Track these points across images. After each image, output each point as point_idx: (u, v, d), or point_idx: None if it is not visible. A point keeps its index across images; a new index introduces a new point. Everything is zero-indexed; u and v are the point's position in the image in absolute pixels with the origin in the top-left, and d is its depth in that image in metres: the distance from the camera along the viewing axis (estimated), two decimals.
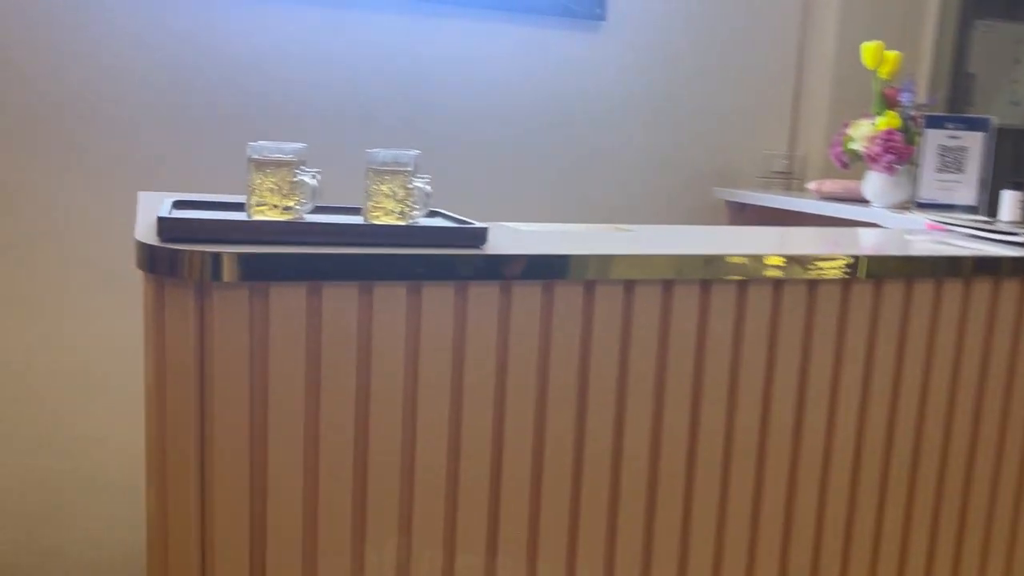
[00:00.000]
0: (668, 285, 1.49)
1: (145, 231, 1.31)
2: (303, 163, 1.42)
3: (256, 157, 1.39)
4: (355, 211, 1.54)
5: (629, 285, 1.46)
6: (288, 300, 1.27)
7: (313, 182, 1.40)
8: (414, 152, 1.44)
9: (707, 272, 1.50)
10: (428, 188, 1.45)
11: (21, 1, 2.54)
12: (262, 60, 2.81)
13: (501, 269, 1.37)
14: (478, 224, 1.45)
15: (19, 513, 2.70)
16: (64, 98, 2.61)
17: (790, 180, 3.57)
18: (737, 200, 3.34)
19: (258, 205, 1.38)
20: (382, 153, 1.43)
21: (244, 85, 2.80)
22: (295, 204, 1.40)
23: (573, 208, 3.26)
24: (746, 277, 1.52)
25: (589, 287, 1.44)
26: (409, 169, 1.43)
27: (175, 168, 2.75)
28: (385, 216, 1.43)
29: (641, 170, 3.35)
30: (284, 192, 1.39)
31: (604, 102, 3.24)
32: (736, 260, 1.51)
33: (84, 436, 2.72)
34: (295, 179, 1.39)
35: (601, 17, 3.16)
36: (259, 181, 1.38)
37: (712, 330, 1.53)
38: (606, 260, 1.43)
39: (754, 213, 3.36)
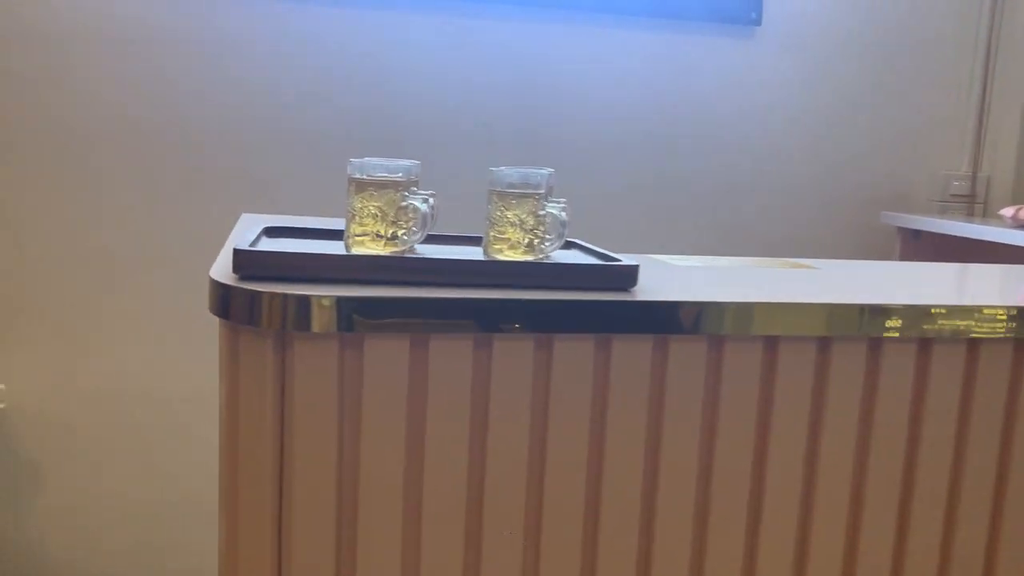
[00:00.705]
0: (876, 344, 1.15)
1: (222, 266, 1.08)
2: (414, 184, 1.17)
3: (358, 176, 1.14)
4: (474, 241, 1.27)
5: (824, 344, 1.13)
6: (388, 354, 1.01)
7: (425, 207, 1.15)
8: (546, 171, 1.17)
9: (934, 325, 1.15)
10: (564, 215, 1.17)
11: (138, 27, 2.45)
12: (378, 72, 2.62)
13: (657, 319, 1.07)
14: (626, 260, 1.15)
15: (116, 545, 2.58)
16: (177, 115, 2.50)
17: (972, 204, 3.10)
18: (910, 227, 2.91)
19: (359, 235, 1.14)
20: (508, 172, 1.16)
21: (356, 99, 2.62)
22: (403, 233, 1.14)
23: (723, 239, 2.92)
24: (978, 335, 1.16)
25: (770, 344, 1.12)
26: (541, 192, 1.16)
27: (287, 189, 2.59)
28: (510, 250, 1.16)
29: (800, 194, 2.97)
30: (390, 219, 1.14)
31: (759, 118, 2.89)
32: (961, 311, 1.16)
33: (183, 464, 2.57)
34: (403, 203, 1.14)
35: (756, 21, 2.82)
36: (360, 205, 1.14)
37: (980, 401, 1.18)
38: (797, 310, 1.10)
39: (930, 242, 2.92)
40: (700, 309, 1.07)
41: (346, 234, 1.15)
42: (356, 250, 1.13)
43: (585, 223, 2.70)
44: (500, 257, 1.15)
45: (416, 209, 1.15)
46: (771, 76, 2.88)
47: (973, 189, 3.09)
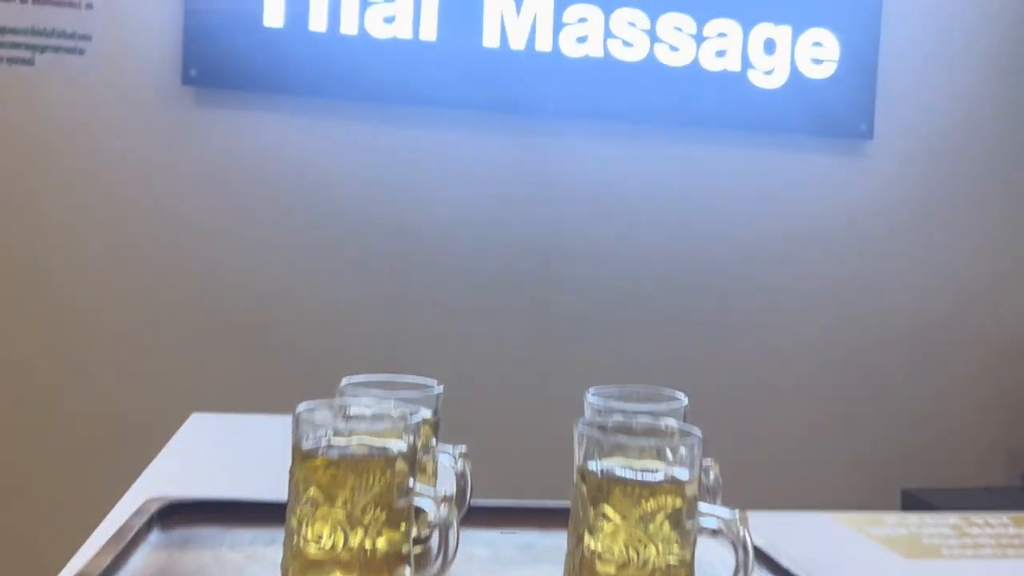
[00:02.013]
0: None
1: None
2: (427, 431, 0.58)
3: (306, 447, 0.56)
4: (532, 518, 0.67)
5: None
6: None
7: (440, 512, 0.55)
8: (695, 434, 0.58)
9: None
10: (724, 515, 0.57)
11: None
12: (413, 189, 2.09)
13: None
14: None
15: None
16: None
17: None
18: None
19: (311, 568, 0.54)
20: (627, 421, 0.57)
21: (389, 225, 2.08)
22: (403, 549, 0.55)
23: (846, 391, 2.29)
24: None
25: None
26: (692, 478, 0.56)
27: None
28: None
29: (934, 339, 2.32)
30: (378, 527, 0.54)
31: (870, 244, 2.30)
32: None
33: None
34: (402, 497, 0.55)
35: (868, 134, 2.26)
36: (316, 497, 0.55)
37: None
38: None
39: None
40: None
41: (284, 551, 0.56)
42: None
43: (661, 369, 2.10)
44: None
45: (432, 505, 0.56)
46: (886, 196, 2.30)
47: None
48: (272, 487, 0.91)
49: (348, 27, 2.00)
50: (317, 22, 1.99)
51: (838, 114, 2.25)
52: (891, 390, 2.33)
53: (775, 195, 2.26)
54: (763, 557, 0.66)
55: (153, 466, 0.94)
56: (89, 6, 1.93)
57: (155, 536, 0.66)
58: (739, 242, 2.25)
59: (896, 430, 2.32)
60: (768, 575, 0.65)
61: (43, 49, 1.92)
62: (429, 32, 2.04)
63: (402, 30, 2.03)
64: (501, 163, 2.14)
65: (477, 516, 0.66)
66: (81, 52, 1.94)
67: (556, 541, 0.70)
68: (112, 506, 0.78)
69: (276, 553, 0.65)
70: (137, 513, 0.69)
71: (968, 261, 2.35)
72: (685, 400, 0.68)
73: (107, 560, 0.58)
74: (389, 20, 2.02)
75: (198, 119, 1.99)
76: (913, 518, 0.92)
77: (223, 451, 1.06)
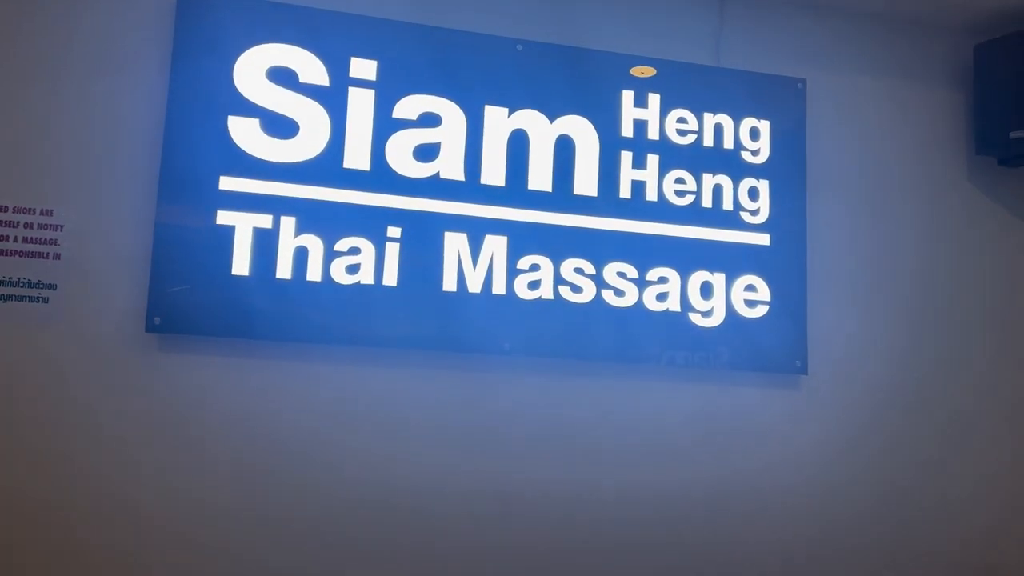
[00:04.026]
0: None
1: None
2: None
3: None
4: None
5: None
6: None
7: None
8: None
9: None
10: None
11: None
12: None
13: None
14: None
15: None
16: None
17: None
18: None
19: None
20: None
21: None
22: None
23: None
24: None
25: None
26: None
27: None
28: None
29: (879, 570, 2.39)
30: None
31: (809, 476, 2.38)
32: None
33: None
34: None
35: (802, 370, 2.41)
36: None
37: None
38: None
39: None
40: None
41: None
42: None
43: None
44: None
45: None
46: (823, 428, 2.42)
47: None
48: None
49: (313, 275, 2.09)
50: (283, 270, 2.08)
51: (773, 351, 2.40)
52: None
53: (716, 428, 2.35)
54: None
55: None
56: (57, 256, 1.98)
57: None
58: (685, 475, 2.31)
59: None
60: None
61: (6, 298, 1.94)
62: (391, 278, 2.14)
63: (365, 277, 2.12)
64: (458, 399, 2.19)
65: None
66: (46, 301, 1.96)
67: None
68: None
69: None
70: None
71: (907, 483, 2.46)
72: None
73: None
74: (353, 270, 2.12)
75: (162, 364, 2.00)
76: None
77: None
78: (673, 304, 2.32)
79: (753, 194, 2.42)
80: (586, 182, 2.31)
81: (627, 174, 2.33)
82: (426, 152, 2.21)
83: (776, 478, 2.36)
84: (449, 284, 2.18)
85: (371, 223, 2.14)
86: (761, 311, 2.38)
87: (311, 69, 2.15)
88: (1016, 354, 2.61)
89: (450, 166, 2.22)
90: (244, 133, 2.09)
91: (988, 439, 2.55)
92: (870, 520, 2.41)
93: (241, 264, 2.05)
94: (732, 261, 2.38)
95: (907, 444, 2.48)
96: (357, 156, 2.16)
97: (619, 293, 2.29)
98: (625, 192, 2.33)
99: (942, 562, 2.45)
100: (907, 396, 2.50)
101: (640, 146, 2.35)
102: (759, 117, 2.45)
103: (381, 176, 2.17)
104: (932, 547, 2.45)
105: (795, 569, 2.34)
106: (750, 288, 2.38)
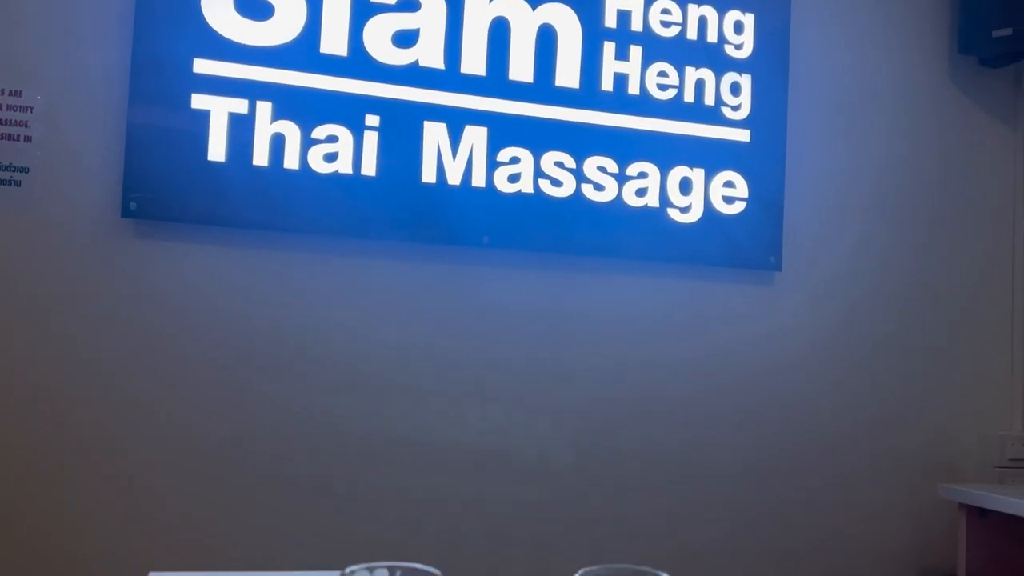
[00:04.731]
0: None
1: None
2: None
3: None
4: None
5: None
6: None
7: None
8: None
9: None
10: None
11: None
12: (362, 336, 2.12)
13: None
14: None
15: None
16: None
17: None
18: (974, 503, 2.42)
19: None
20: None
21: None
22: None
23: (759, 511, 2.39)
24: None
25: None
26: None
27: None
28: None
29: (837, 460, 2.48)
30: None
31: (779, 370, 2.45)
32: None
33: None
34: None
35: (776, 266, 2.45)
36: None
37: None
38: None
39: (1000, 522, 2.42)
40: None
41: None
42: None
43: (595, 510, 2.15)
44: None
45: None
46: (794, 325, 2.48)
47: None
48: None
49: (291, 162, 2.06)
50: (260, 157, 2.05)
51: (749, 248, 2.43)
52: (805, 504, 2.44)
53: (692, 322, 2.39)
54: None
55: None
56: (28, 139, 1.94)
57: None
58: (659, 365, 2.36)
59: (804, 544, 2.43)
60: None
61: None
62: (369, 168, 2.12)
63: (343, 166, 2.10)
64: (437, 291, 2.20)
65: None
66: (18, 184, 1.92)
67: None
68: None
69: None
70: None
71: (877, 382, 2.53)
72: None
73: None
74: (331, 158, 2.09)
75: (137, 251, 1.99)
76: None
77: None
78: (652, 200, 2.33)
79: (735, 89, 2.40)
80: (568, 73, 2.27)
81: (609, 66, 2.30)
82: (405, 38, 2.16)
83: (748, 364, 2.42)
84: (428, 175, 2.16)
85: (349, 111, 2.11)
86: (738, 207, 2.39)
87: None
88: (986, 247, 2.67)
89: (429, 54, 2.17)
90: (217, 14, 2.02)
91: (953, 330, 2.62)
92: (832, 415, 2.49)
93: (217, 150, 2.01)
94: (712, 157, 2.38)
95: (879, 341, 2.54)
96: (334, 41, 2.11)
97: (599, 188, 2.29)
98: (607, 85, 2.30)
99: (905, 442, 2.54)
100: (878, 293, 2.55)
101: (623, 37, 2.32)
102: (744, 10, 2.42)
103: (359, 62, 2.12)
104: (903, 447, 2.54)
105: (768, 437, 2.42)
106: (728, 184, 2.39)
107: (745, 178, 2.40)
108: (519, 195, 2.23)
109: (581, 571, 0.71)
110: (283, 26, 2.07)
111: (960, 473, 2.60)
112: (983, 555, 2.45)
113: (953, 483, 2.49)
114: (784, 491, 2.42)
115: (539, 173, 2.24)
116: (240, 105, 2.03)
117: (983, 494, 2.42)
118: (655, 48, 2.34)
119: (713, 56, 2.39)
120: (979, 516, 2.47)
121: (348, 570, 0.67)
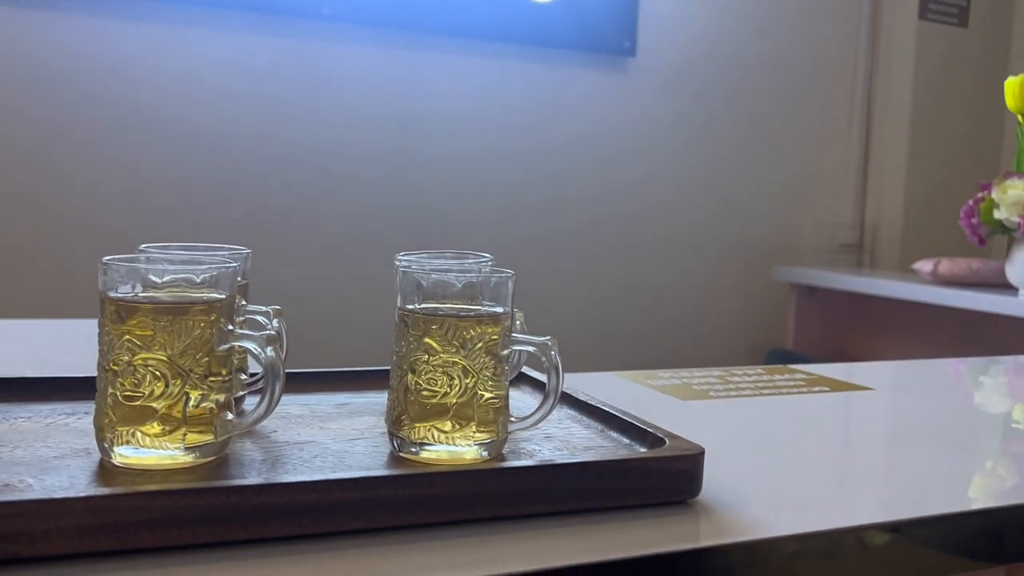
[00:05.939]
0: None
1: None
2: (239, 294, 0.58)
3: (115, 295, 0.53)
4: (352, 381, 0.69)
5: None
6: None
7: (266, 352, 0.55)
8: (508, 272, 0.61)
9: None
10: (528, 343, 0.62)
11: None
12: (215, 97, 1.96)
13: None
14: (682, 441, 0.61)
15: None
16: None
17: (861, 254, 2.84)
18: (803, 282, 2.58)
19: (128, 422, 0.53)
20: (447, 275, 0.59)
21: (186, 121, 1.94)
22: (219, 403, 0.55)
23: (607, 291, 2.46)
24: None
25: None
26: (507, 310, 0.60)
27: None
28: (467, 430, 0.58)
29: (682, 244, 2.57)
30: (194, 379, 0.53)
31: (631, 156, 2.47)
32: None
33: None
34: (222, 345, 0.54)
35: (631, 51, 2.41)
36: (131, 346, 0.53)
37: None
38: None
39: (827, 299, 2.61)
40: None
41: (97, 408, 0.54)
42: (122, 457, 0.52)
43: None
44: (435, 460, 0.58)
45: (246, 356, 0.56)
46: (642, 110, 2.48)
47: (861, 238, 2.83)
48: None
49: None
50: None
51: (604, 32, 2.37)
52: (652, 287, 2.54)
53: (545, 106, 2.35)
54: (563, 396, 0.72)
55: None
56: None
57: None
58: (512, 149, 2.32)
59: (650, 324, 2.55)
60: (568, 409, 0.72)
61: None
62: None
63: None
64: (275, 67, 2.05)
65: (290, 382, 0.67)
66: None
67: (371, 399, 0.72)
68: None
69: (79, 421, 0.62)
70: None
71: (723, 171, 2.60)
72: (491, 258, 0.71)
73: None
74: None
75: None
76: (684, 372, 1.04)
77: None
78: None
79: None
80: None
81: None
82: None
83: (600, 148, 2.42)
84: None
85: None
86: None
87: None
88: (831, 35, 2.71)
89: None
90: None
91: (799, 129, 2.70)
92: (678, 202, 2.55)
93: None
94: None
95: (726, 129, 2.59)
96: None
97: None
98: None
99: (752, 244, 2.66)
100: (727, 82, 2.57)
101: None
102: None
103: None
104: (743, 232, 2.64)
105: (619, 220, 2.48)
106: None
107: None
108: None
109: (401, 253, 0.67)
110: None
111: (796, 258, 2.75)
112: (811, 330, 2.65)
113: (787, 265, 2.64)
114: (631, 273, 2.50)
115: None
116: None
117: (812, 271, 2.58)
118: None
119: None
120: (808, 294, 2.64)
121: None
